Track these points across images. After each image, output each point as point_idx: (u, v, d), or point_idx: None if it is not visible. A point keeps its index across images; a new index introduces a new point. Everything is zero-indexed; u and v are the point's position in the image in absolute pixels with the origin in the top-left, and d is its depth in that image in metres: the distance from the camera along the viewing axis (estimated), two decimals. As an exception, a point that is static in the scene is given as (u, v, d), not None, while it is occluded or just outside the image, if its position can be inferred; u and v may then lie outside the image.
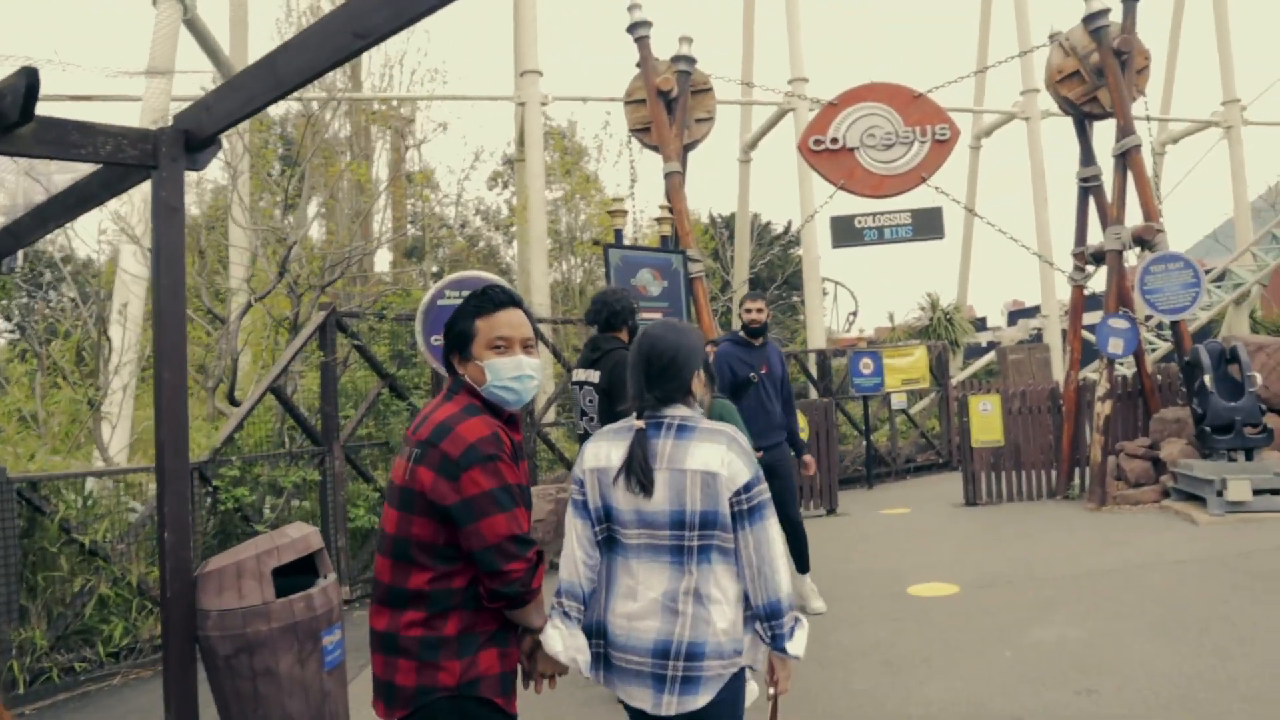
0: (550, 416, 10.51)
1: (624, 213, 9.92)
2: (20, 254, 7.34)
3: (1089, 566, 7.01)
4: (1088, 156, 10.72)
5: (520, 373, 2.29)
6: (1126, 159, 10.25)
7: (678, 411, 2.35)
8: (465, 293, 7.49)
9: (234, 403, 8.53)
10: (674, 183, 10.63)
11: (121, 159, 3.83)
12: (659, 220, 10.69)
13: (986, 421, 10.99)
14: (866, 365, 13.19)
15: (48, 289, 13.46)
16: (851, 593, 6.76)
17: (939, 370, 14.28)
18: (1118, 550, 7.49)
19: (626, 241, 10.61)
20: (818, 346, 16.46)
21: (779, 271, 28.70)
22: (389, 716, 2.20)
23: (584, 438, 4.75)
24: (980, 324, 28.53)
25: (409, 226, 23.25)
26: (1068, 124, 10.80)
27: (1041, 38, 11.04)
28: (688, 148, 10.88)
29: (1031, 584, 6.62)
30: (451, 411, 2.19)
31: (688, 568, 2.25)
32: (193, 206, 14.03)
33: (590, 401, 4.50)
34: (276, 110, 20.49)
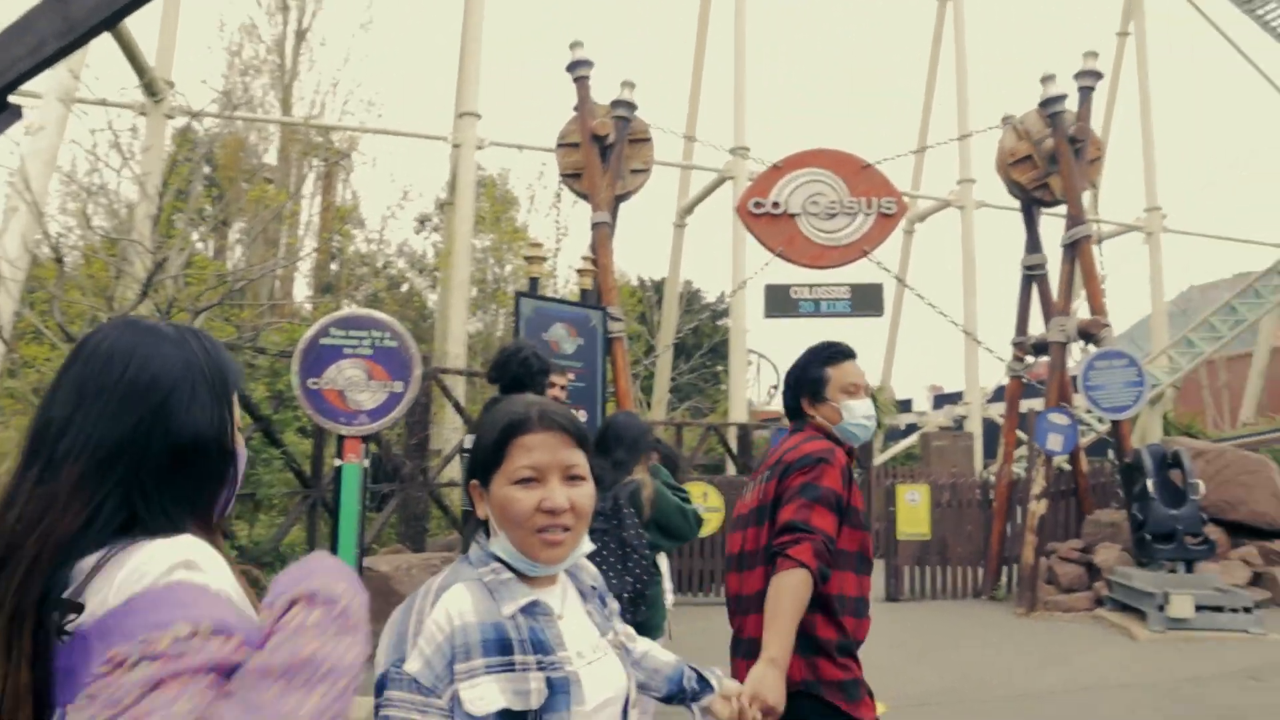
0: (447, 476, 9.56)
1: (542, 259, 9.13)
2: None
3: (1028, 687, 6.33)
4: (1034, 243, 10.37)
5: (870, 412, 2.58)
6: (1076, 249, 9.89)
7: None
8: (351, 332, 6.52)
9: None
10: (601, 234, 9.91)
11: None
12: (580, 273, 9.90)
13: (914, 513, 10.40)
14: (791, 442, 12.59)
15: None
16: (768, 704, 5.94)
17: (863, 453, 13.85)
18: (1057, 669, 6.83)
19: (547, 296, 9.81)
20: (739, 419, 15.84)
21: (705, 339, 28.24)
22: None
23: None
24: (904, 405, 28.31)
25: (331, 263, 22.11)
26: (1001, 217, 10.53)
27: (982, 127, 10.78)
28: (620, 199, 10.19)
29: (970, 706, 5.88)
30: (798, 440, 2.49)
31: None
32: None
33: None
34: (207, 130, 19.33)
